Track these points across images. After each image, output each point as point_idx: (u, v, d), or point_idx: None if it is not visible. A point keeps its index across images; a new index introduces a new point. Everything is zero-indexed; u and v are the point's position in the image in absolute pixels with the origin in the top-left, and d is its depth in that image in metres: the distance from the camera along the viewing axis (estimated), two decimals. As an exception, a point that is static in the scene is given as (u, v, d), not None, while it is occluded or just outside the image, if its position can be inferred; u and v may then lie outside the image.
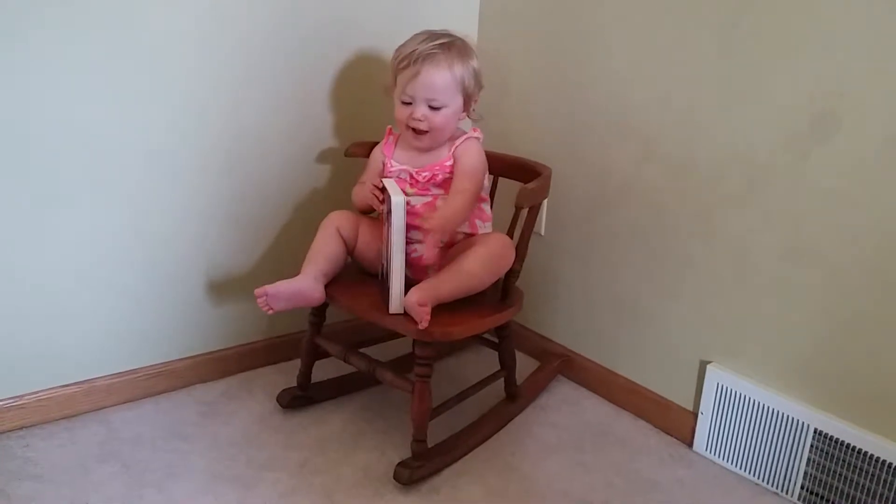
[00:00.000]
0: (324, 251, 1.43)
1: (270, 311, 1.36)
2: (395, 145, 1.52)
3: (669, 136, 1.49)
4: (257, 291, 1.35)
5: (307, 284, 1.39)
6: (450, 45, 1.41)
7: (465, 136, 1.47)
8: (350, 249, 1.48)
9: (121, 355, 1.55)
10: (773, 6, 1.29)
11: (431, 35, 1.42)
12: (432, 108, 1.41)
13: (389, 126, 1.55)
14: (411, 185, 1.47)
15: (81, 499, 1.28)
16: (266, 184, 1.65)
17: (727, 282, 1.43)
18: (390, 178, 1.46)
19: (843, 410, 1.30)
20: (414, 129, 1.44)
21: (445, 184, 1.46)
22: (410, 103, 1.42)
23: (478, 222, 1.49)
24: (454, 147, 1.46)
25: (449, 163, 1.45)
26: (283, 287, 1.36)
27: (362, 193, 1.49)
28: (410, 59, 1.39)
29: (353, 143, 1.63)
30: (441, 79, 1.39)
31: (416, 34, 1.44)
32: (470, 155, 1.46)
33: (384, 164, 1.51)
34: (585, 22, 1.62)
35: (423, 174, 1.45)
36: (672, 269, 1.53)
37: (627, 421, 1.62)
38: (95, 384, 1.53)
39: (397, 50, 1.45)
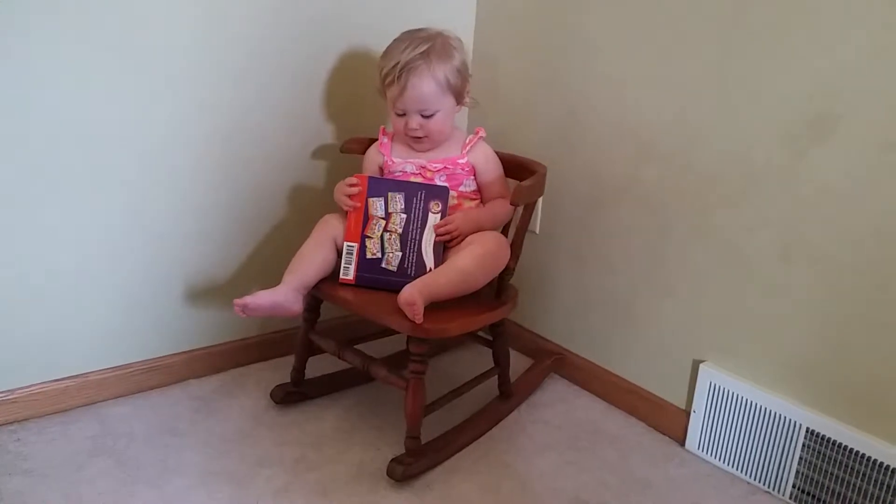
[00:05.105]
0: (311, 259, 1.43)
1: (244, 316, 1.36)
2: (392, 143, 1.53)
3: (666, 135, 1.49)
4: (236, 302, 1.34)
5: (287, 297, 1.38)
6: (429, 51, 1.40)
7: (476, 138, 1.50)
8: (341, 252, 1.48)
9: (114, 350, 1.55)
10: (770, 6, 1.29)
11: (410, 41, 1.42)
12: (425, 116, 1.43)
13: (382, 126, 1.56)
14: (416, 175, 1.48)
15: (73, 494, 1.28)
16: (261, 180, 1.65)
17: (722, 281, 1.44)
18: (394, 173, 1.49)
19: (835, 410, 1.31)
20: (413, 137, 1.46)
21: (454, 178, 1.48)
22: (404, 114, 1.44)
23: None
24: (466, 147, 1.49)
25: (462, 160, 1.48)
26: (263, 299, 1.36)
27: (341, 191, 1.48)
28: (394, 74, 1.41)
29: (349, 138, 1.63)
30: (427, 88, 1.41)
31: (396, 40, 1.45)
32: (495, 161, 1.52)
33: (384, 163, 1.52)
34: (582, 22, 1.62)
35: (436, 165, 1.47)
36: (667, 268, 1.53)
37: (620, 419, 1.63)
38: (88, 379, 1.52)
39: (381, 59, 1.45)
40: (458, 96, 1.47)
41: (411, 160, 1.49)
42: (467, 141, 1.50)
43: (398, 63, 1.40)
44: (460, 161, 1.48)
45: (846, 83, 1.22)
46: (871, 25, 1.18)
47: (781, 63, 1.29)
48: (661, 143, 1.50)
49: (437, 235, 1.40)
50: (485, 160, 1.50)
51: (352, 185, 1.43)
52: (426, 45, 1.41)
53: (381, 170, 1.53)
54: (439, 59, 1.41)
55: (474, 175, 1.50)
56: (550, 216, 1.77)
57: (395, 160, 1.50)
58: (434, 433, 1.46)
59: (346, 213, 1.44)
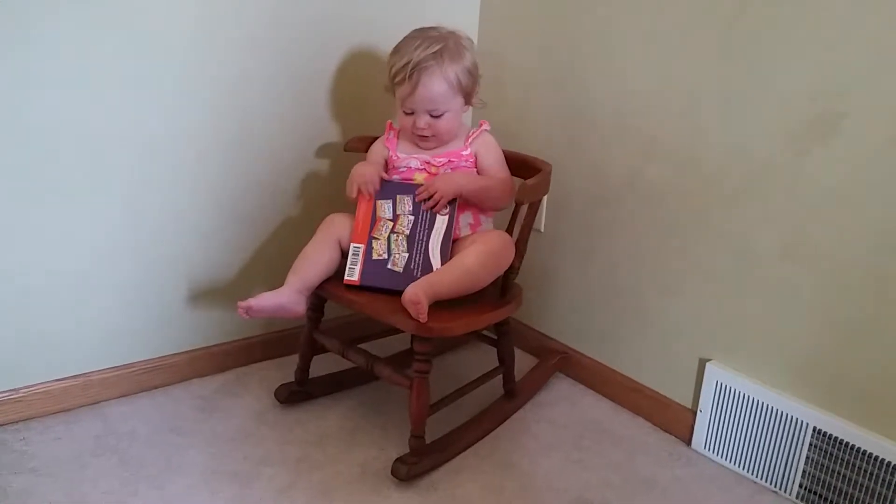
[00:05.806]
0: (314, 260, 1.42)
1: (247, 318, 1.36)
2: (398, 138, 1.52)
3: (670, 133, 1.48)
4: (240, 304, 1.34)
5: (290, 298, 1.38)
6: (441, 51, 1.39)
7: (479, 130, 1.50)
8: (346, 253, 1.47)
9: (118, 349, 1.55)
10: (774, 4, 1.28)
11: (423, 39, 1.40)
12: (434, 115, 1.43)
13: (389, 121, 1.55)
14: (421, 171, 1.48)
15: (77, 493, 1.28)
16: (264, 179, 1.64)
17: (727, 280, 1.43)
18: (398, 169, 1.49)
19: (842, 409, 1.30)
20: (420, 136, 1.46)
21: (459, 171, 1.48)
22: (412, 113, 1.44)
23: (481, 217, 1.50)
24: (470, 138, 1.49)
25: (465, 152, 1.48)
26: (266, 301, 1.36)
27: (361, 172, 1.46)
28: (405, 73, 1.39)
29: (353, 137, 1.62)
30: (438, 89, 1.40)
31: (408, 38, 1.43)
32: (495, 149, 1.51)
33: (389, 157, 1.51)
34: (586, 19, 1.61)
35: (440, 160, 1.47)
36: (672, 266, 1.53)
37: (626, 418, 1.62)
38: (91, 378, 1.52)
39: (391, 56, 1.44)
40: (468, 97, 1.46)
41: (416, 155, 1.48)
42: (471, 133, 1.49)
43: (410, 62, 1.38)
44: (464, 153, 1.48)
45: (850, 82, 1.21)
46: (876, 23, 1.16)
47: (785, 61, 1.28)
48: (666, 140, 1.49)
49: (423, 204, 1.40)
50: (485, 147, 1.49)
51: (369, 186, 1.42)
52: (438, 45, 1.40)
53: (386, 164, 1.53)
54: (451, 60, 1.40)
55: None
56: (555, 215, 1.76)
57: (399, 155, 1.50)
58: (438, 433, 1.45)
59: (353, 213, 1.43)
